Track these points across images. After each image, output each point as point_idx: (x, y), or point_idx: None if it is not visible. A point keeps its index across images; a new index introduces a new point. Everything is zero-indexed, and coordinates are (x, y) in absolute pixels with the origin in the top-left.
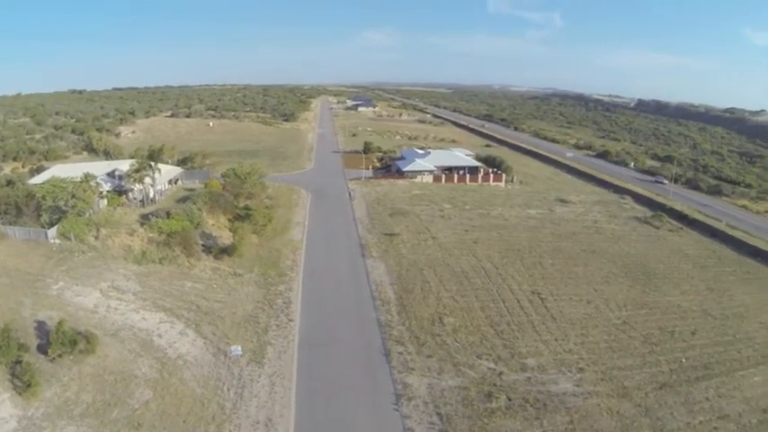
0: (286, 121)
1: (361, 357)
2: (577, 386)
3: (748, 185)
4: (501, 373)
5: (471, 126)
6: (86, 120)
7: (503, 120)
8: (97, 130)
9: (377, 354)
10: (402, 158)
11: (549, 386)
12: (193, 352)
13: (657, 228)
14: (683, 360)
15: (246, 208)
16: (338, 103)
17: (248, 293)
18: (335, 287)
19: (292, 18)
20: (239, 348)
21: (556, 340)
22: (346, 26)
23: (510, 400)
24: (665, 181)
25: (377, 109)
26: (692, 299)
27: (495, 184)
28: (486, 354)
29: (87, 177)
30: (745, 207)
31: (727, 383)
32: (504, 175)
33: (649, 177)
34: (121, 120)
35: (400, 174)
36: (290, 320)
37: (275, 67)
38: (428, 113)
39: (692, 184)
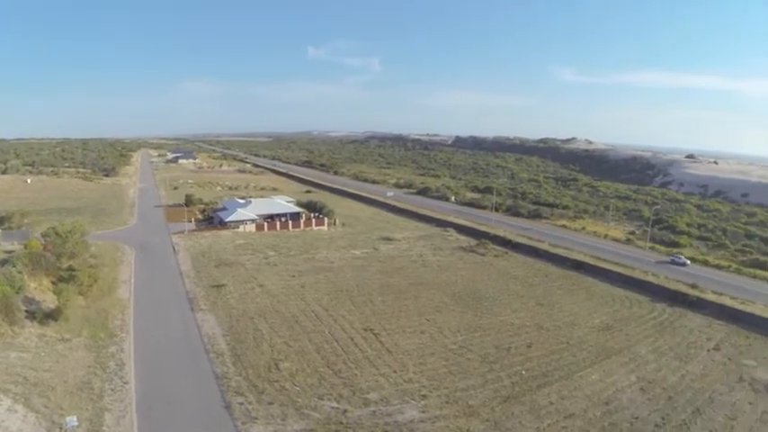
0: (107, 175)
1: (202, 413)
2: (423, 412)
3: (565, 207)
4: (345, 411)
5: (290, 173)
6: None
7: (322, 165)
8: None
9: (217, 407)
10: (224, 209)
11: (395, 416)
12: (25, 429)
13: (483, 254)
14: (523, 372)
15: (70, 268)
16: (159, 155)
17: (79, 359)
18: (167, 344)
19: (107, 64)
20: (75, 419)
21: (395, 372)
22: (166, 76)
23: None
24: (688, 261)
25: (197, 161)
26: (524, 315)
27: (317, 228)
28: (328, 394)
29: None
30: (564, 226)
31: (567, 386)
32: (326, 218)
33: (664, 258)
34: None
35: (223, 225)
36: (126, 383)
37: (92, 118)
38: (248, 163)
39: (513, 211)
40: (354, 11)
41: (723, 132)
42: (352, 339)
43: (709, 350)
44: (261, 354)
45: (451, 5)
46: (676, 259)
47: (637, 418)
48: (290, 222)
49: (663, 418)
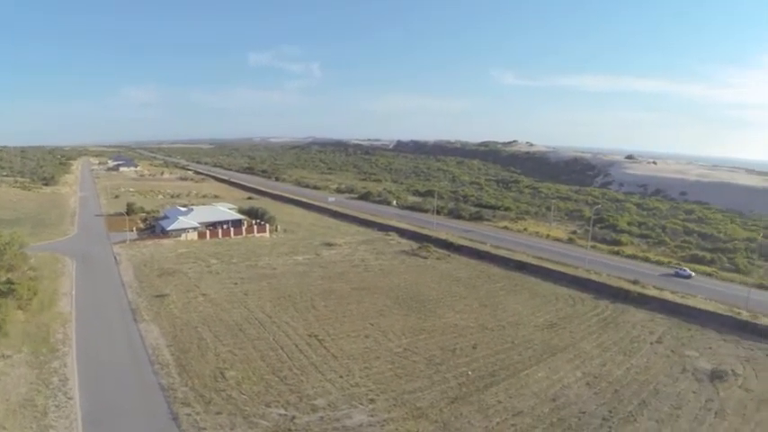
0: (46, 184)
1: (149, 425)
2: (372, 416)
3: (507, 209)
4: (293, 418)
5: (232, 180)
6: None
7: (264, 171)
8: None
9: (165, 418)
10: (166, 218)
11: (343, 421)
12: None
13: (425, 258)
14: (469, 373)
15: (9, 282)
16: (99, 163)
17: (20, 376)
18: (111, 356)
19: (44, 68)
20: None
21: (341, 377)
22: (104, 81)
23: None
24: (692, 273)
25: (139, 168)
26: (468, 317)
27: (259, 234)
28: (275, 401)
29: None
30: (506, 228)
31: (514, 384)
32: (267, 225)
33: (668, 271)
34: None
35: (165, 233)
36: (70, 398)
37: (30, 125)
38: (190, 170)
39: (455, 214)
40: (292, 15)
41: (662, 133)
42: (296, 346)
43: (652, 343)
44: (206, 363)
45: (390, 9)
46: (681, 272)
47: (584, 412)
48: (231, 230)
49: (610, 412)
